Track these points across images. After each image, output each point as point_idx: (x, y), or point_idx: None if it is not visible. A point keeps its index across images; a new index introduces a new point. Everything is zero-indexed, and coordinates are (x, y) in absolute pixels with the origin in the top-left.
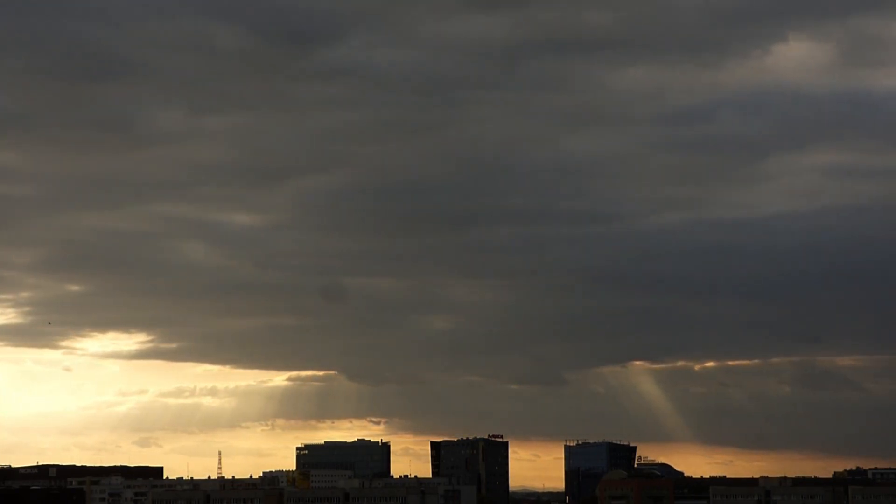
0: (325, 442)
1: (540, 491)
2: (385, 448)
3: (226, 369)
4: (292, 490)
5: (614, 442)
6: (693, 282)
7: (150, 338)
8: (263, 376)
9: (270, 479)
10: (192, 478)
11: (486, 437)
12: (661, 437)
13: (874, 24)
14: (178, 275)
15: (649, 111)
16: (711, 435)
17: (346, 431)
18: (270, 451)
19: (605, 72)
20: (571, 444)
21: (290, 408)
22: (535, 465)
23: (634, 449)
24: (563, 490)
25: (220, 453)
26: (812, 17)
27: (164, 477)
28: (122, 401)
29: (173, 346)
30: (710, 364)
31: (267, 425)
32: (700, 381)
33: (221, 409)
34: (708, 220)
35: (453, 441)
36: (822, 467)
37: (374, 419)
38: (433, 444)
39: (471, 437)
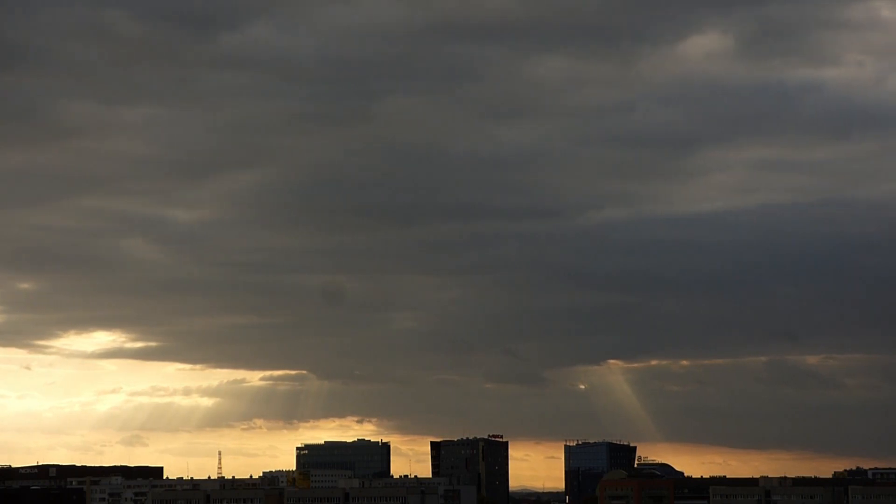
0: (325, 442)
1: (540, 491)
2: (385, 448)
3: (197, 369)
4: (292, 490)
5: (614, 442)
6: (652, 278)
7: (114, 337)
8: (235, 376)
9: (270, 479)
10: (191, 478)
11: (486, 437)
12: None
13: (786, 12)
14: (123, 272)
15: (570, 103)
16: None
17: (331, 431)
18: (258, 452)
19: (520, 61)
20: (571, 444)
21: (272, 407)
22: (529, 464)
23: (634, 449)
24: (564, 490)
25: (220, 453)
26: (724, 4)
27: (164, 477)
28: (98, 400)
29: (140, 345)
30: (686, 363)
31: (250, 425)
32: (679, 379)
33: (202, 409)
34: (652, 216)
35: (453, 441)
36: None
37: (355, 418)
38: (433, 444)
39: (471, 437)
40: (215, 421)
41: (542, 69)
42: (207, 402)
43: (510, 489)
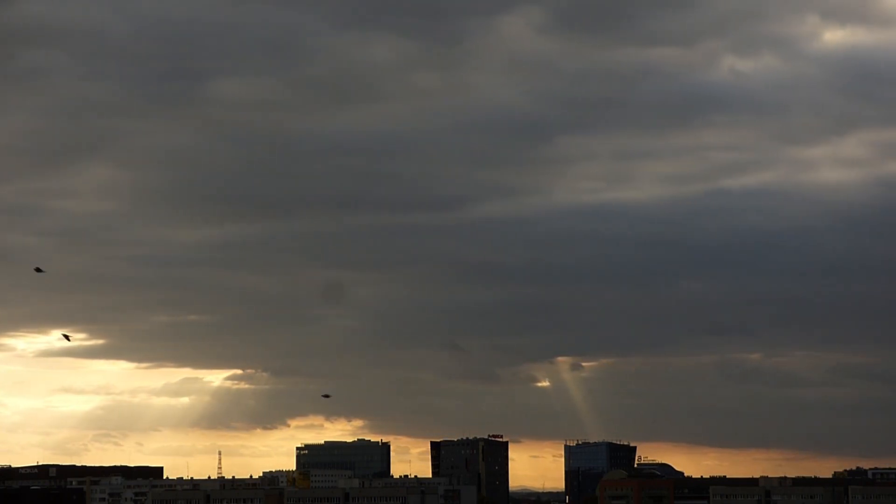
0: (325, 442)
1: (540, 491)
2: (385, 448)
3: (142, 367)
4: (292, 490)
5: (614, 442)
6: (563, 272)
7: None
8: (192, 374)
9: (270, 479)
10: (191, 478)
11: (486, 437)
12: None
13: None
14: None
15: (407, 86)
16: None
17: (311, 430)
18: (232, 451)
19: (348, 45)
20: (571, 444)
21: (240, 408)
22: (527, 464)
23: (634, 449)
24: (564, 490)
25: (220, 453)
26: None
27: (164, 477)
28: (63, 400)
29: (88, 343)
30: (638, 360)
31: (231, 426)
32: (639, 378)
33: (169, 408)
34: (539, 207)
35: (453, 441)
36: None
37: (331, 418)
38: (433, 444)
39: (471, 438)
40: (184, 422)
41: (371, 54)
42: (166, 401)
43: (510, 489)
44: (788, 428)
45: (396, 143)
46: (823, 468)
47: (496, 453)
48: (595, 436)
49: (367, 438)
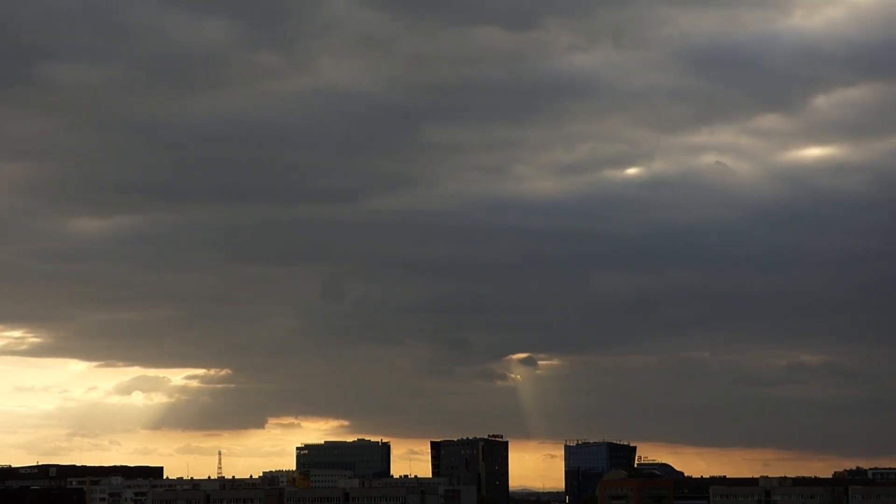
0: (325, 442)
1: (540, 491)
2: (385, 448)
3: (99, 366)
4: (292, 490)
5: (614, 442)
6: (491, 266)
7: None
8: (152, 373)
9: (270, 479)
10: (192, 478)
11: (486, 437)
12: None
13: None
14: None
15: (252, 70)
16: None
17: (294, 430)
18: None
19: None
20: (572, 444)
21: (209, 408)
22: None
23: (634, 449)
24: (564, 490)
25: (220, 453)
26: None
27: (165, 477)
28: (23, 399)
29: (40, 341)
30: (610, 357)
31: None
32: (614, 375)
33: (133, 408)
34: (454, 199)
35: (453, 441)
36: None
37: (308, 418)
38: (433, 444)
39: (470, 437)
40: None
41: (202, 33)
42: (130, 401)
43: (510, 489)
44: (762, 426)
45: (268, 130)
46: (823, 468)
47: (496, 453)
48: (594, 436)
49: (367, 438)
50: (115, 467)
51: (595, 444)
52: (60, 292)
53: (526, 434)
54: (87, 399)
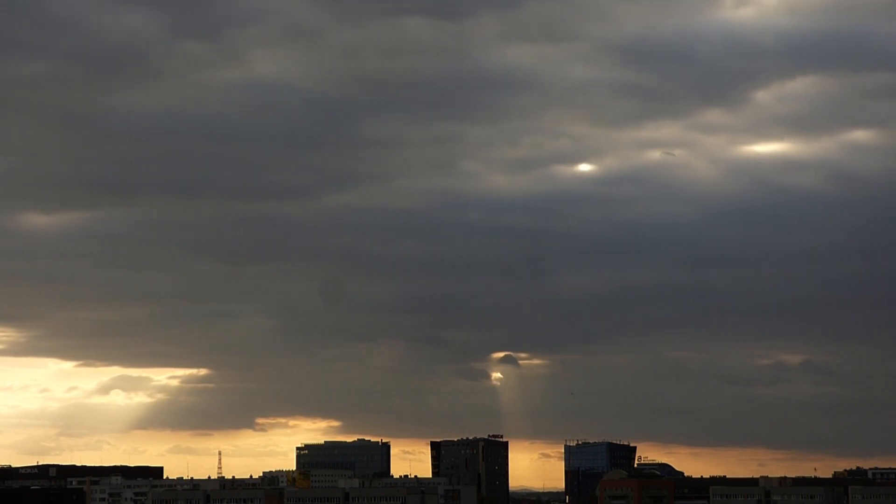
0: (325, 442)
1: (540, 491)
2: (385, 448)
3: (79, 365)
4: (292, 490)
5: (614, 442)
6: (467, 264)
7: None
8: (133, 373)
9: (270, 479)
10: (192, 478)
11: (486, 437)
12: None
13: None
14: None
15: (184, 62)
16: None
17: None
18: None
19: (99, 14)
20: (572, 444)
21: (197, 408)
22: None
23: (634, 449)
24: (564, 490)
25: (220, 453)
26: None
27: (164, 477)
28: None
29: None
30: (592, 356)
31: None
32: (602, 373)
33: (117, 407)
34: (412, 196)
35: (453, 441)
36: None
37: (294, 418)
38: (433, 444)
39: (470, 437)
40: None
41: (132, 21)
42: (115, 400)
43: (510, 489)
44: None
45: (208, 124)
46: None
47: (496, 453)
48: (594, 436)
49: (367, 438)
50: (114, 467)
51: (595, 444)
52: (24, 291)
53: (513, 433)
54: (70, 399)
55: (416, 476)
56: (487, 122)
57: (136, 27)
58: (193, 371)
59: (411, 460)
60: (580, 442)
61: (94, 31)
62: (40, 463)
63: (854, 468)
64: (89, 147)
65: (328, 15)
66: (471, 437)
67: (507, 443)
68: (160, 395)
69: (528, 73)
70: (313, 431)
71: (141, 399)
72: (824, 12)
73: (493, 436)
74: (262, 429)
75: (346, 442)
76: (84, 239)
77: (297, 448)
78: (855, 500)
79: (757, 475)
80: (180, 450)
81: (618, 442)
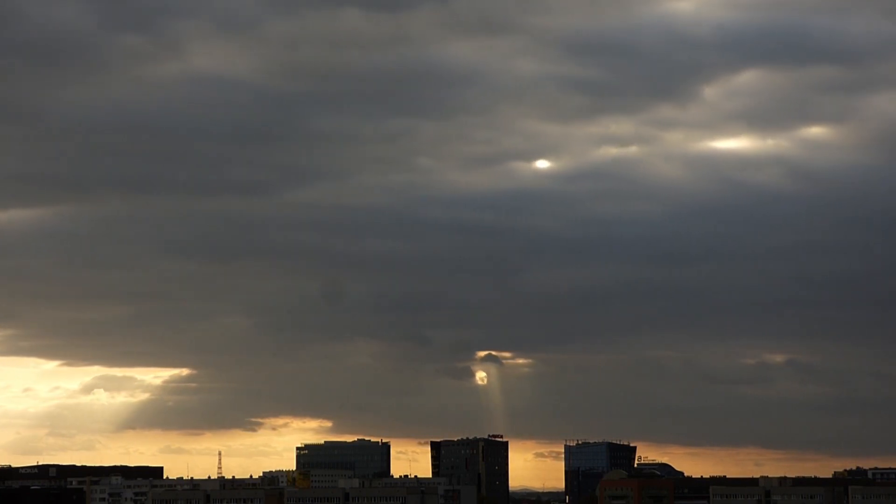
0: (326, 442)
1: (540, 491)
2: (385, 448)
3: (61, 365)
4: (292, 490)
5: (614, 442)
6: (435, 261)
7: None
8: (118, 373)
9: (270, 478)
10: (192, 478)
11: (486, 437)
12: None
13: None
14: None
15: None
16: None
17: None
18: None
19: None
20: (571, 444)
21: (184, 408)
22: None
23: (634, 449)
24: (563, 490)
25: (220, 453)
26: None
27: (164, 477)
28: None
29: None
30: (580, 356)
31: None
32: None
33: (104, 407)
34: (376, 193)
35: (453, 441)
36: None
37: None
38: (433, 444)
39: (471, 437)
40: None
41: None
42: (101, 400)
43: (510, 489)
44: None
45: (154, 119)
46: (824, 468)
47: (496, 453)
48: (595, 436)
49: (367, 438)
50: (114, 467)
51: (595, 444)
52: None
53: (508, 433)
54: (54, 398)
55: (416, 476)
56: (438, 117)
57: (70, 19)
58: (176, 371)
59: (408, 460)
60: (580, 442)
61: (28, 23)
62: (40, 463)
63: (854, 468)
64: (38, 141)
65: (264, 6)
66: (471, 437)
67: (506, 443)
68: (144, 395)
69: (471, 67)
70: (305, 431)
71: (125, 399)
72: (763, 5)
73: (493, 436)
74: (253, 428)
75: (345, 442)
76: (43, 237)
77: (297, 448)
78: (855, 500)
79: (753, 475)
80: (171, 450)
81: (618, 442)
